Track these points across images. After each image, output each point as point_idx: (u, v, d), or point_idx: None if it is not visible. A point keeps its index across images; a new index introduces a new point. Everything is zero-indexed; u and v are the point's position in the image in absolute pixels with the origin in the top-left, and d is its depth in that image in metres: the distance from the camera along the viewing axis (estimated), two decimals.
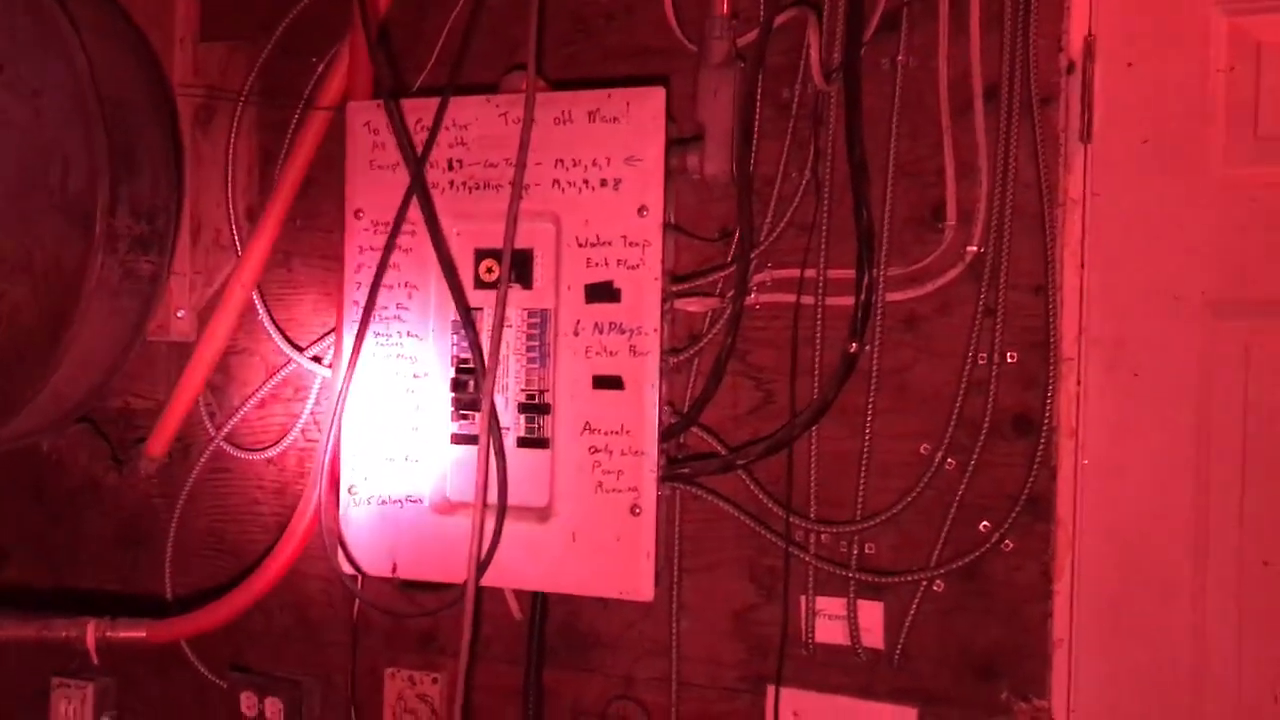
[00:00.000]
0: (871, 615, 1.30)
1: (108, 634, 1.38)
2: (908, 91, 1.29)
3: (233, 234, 1.52)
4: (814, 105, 1.31)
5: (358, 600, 1.46)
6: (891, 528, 1.29)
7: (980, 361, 1.26)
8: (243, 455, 1.54)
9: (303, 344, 1.52)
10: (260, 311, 1.52)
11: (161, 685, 1.59)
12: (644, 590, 1.25)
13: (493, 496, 1.27)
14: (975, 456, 1.26)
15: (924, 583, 1.28)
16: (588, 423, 1.28)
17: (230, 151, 1.52)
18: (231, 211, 1.52)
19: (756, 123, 1.32)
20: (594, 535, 1.27)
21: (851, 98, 1.26)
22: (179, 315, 1.53)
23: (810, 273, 1.31)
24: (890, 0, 1.28)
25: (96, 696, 1.58)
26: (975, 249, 1.26)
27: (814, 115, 1.31)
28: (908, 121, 1.29)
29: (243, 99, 1.51)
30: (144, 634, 1.39)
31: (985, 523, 1.26)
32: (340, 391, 1.32)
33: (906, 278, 1.29)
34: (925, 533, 1.28)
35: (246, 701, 1.49)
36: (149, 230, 1.40)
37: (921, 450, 1.28)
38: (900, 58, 1.29)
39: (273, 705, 1.48)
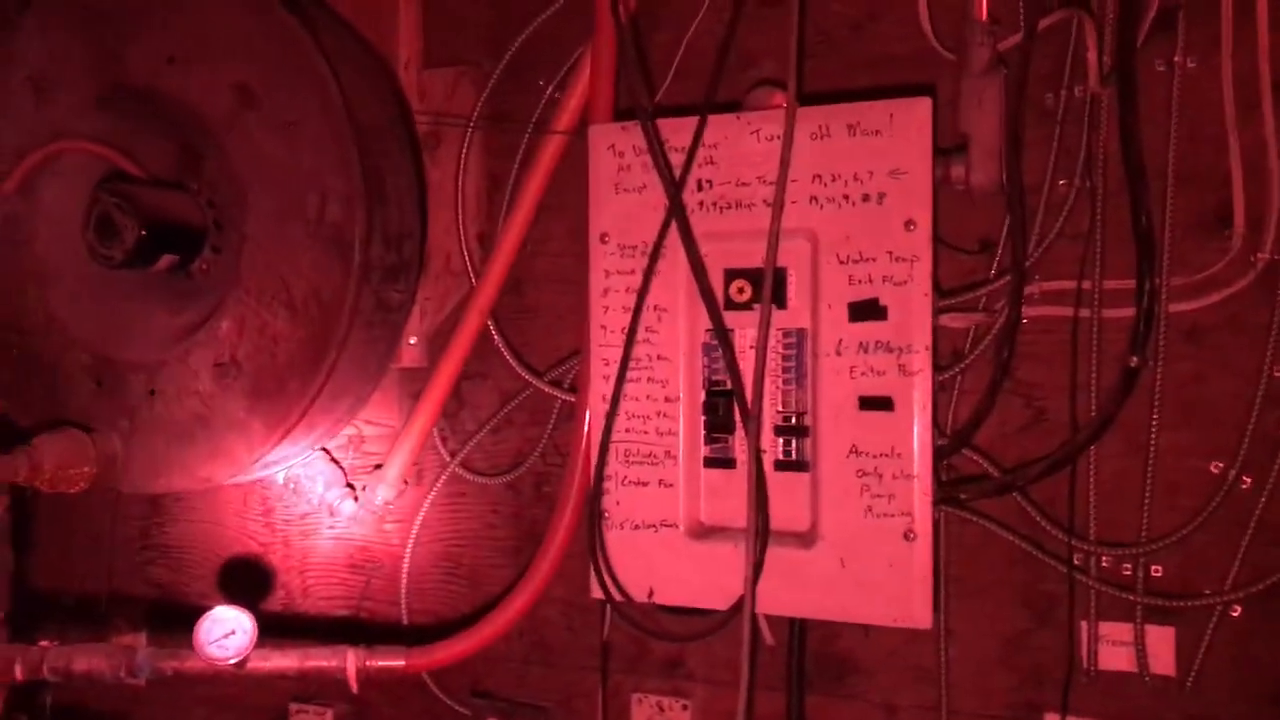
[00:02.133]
0: (1161, 641, 1.24)
1: (367, 663, 1.38)
2: (1186, 92, 1.23)
3: (464, 260, 1.52)
4: (1087, 110, 1.26)
5: (606, 625, 1.44)
6: (1180, 549, 1.23)
7: (1278, 374, 1.20)
8: (478, 480, 1.54)
9: (536, 367, 1.51)
10: (496, 337, 1.51)
11: (398, 712, 1.60)
12: (921, 618, 1.21)
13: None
14: (1274, 474, 1.19)
15: (1219, 607, 1.22)
16: (854, 445, 1.24)
17: (460, 178, 1.52)
18: (462, 237, 1.52)
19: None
20: (865, 561, 1.23)
21: (1127, 100, 1.21)
22: (410, 342, 1.54)
23: (1085, 284, 1.26)
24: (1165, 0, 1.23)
25: None
26: (1266, 256, 1.20)
27: (1088, 120, 1.25)
28: (1186, 123, 1.23)
29: (472, 124, 1.51)
30: (402, 662, 1.39)
31: None
32: (598, 416, 1.31)
33: (1190, 288, 1.23)
34: (1219, 554, 1.22)
35: None
36: (398, 259, 1.41)
37: (1212, 468, 1.22)
38: (1177, 58, 1.23)
39: None
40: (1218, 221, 1.22)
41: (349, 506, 1.59)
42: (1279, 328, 1.19)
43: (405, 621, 1.58)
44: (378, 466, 1.56)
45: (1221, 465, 1.22)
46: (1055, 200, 1.28)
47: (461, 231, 1.52)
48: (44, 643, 1.38)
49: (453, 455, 1.55)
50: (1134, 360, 1.21)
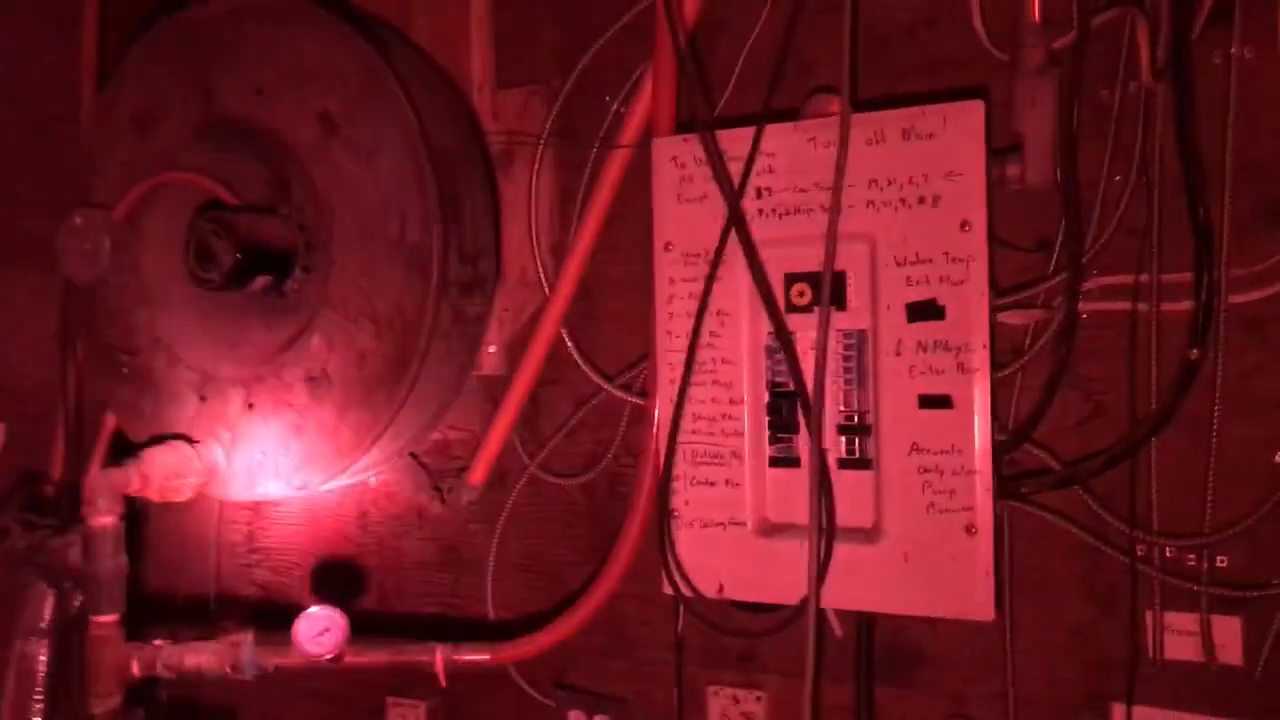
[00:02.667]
0: (1228, 630, 1.25)
1: (454, 657, 1.46)
2: (1243, 83, 1.23)
3: (538, 271, 1.59)
4: (1142, 105, 1.27)
5: (680, 621, 1.50)
6: (1245, 539, 1.24)
7: None
8: (556, 481, 1.61)
9: (608, 372, 1.57)
10: (569, 344, 1.58)
11: (487, 704, 1.67)
12: (984, 610, 1.24)
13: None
14: None
15: None
16: (915, 443, 1.27)
17: (532, 192, 1.58)
18: (536, 250, 1.59)
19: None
20: (928, 556, 1.26)
21: (1182, 93, 1.22)
22: (490, 350, 1.61)
23: (1143, 278, 1.27)
24: None
25: (429, 715, 1.68)
26: None
27: (1144, 115, 1.27)
28: (1244, 114, 1.23)
29: (543, 141, 1.58)
30: (487, 657, 1.47)
31: None
32: (666, 419, 1.36)
33: (1250, 278, 1.23)
34: None
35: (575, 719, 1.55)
36: (474, 274, 1.48)
37: (1277, 458, 1.23)
38: (1234, 49, 1.23)
39: None
40: (1278, 211, 1.22)
41: (436, 508, 1.67)
42: None
43: (491, 617, 1.65)
44: (462, 470, 1.63)
45: None
46: (1112, 196, 1.29)
47: (535, 244, 1.59)
48: (157, 641, 1.48)
49: (532, 458, 1.62)
50: (1194, 352, 1.23)
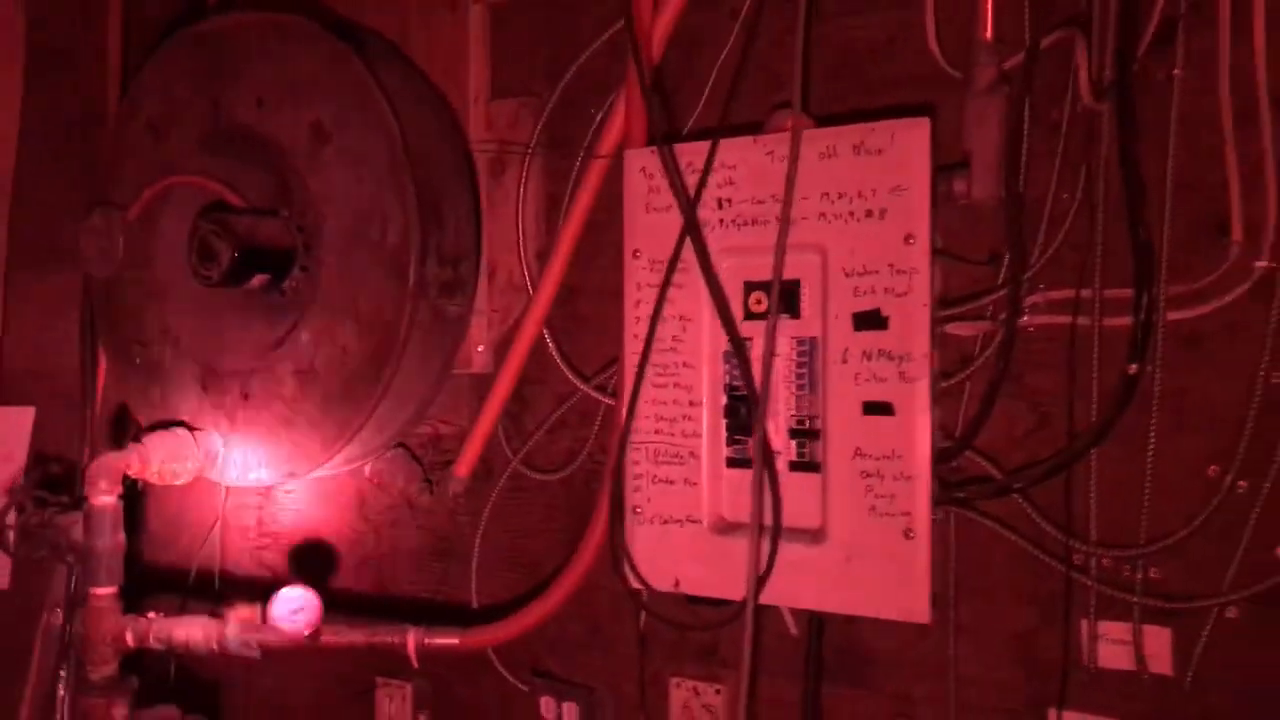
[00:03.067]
0: (1159, 641, 1.27)
1: (425, 641, 1.54)
2: (1184, 104, 1.25)
3: (524, 275, 1.66)
4: (1086, 124, 1.29)
5: (643, 613, 1.55)
6: (1178, 552, 1.26)
7: (1275, 380, 1.21)
8: (537, 476, 1.68)
9: (587, 373, 1.63)
10: (550, 345, 1.64)
11: (469, 688, 1.75)
12: (920, 612, 1.28)
13: (767, 518, 1.34)
14: (1270, 479, 1.21)
15: (1216, 609, 1.24)
16: (859, 448, 1.31)
17: (520, 199, 1.65)
18: (522, 254, 1.66)
19: (1024, 144, 1.32)
20: (868, 558, 1.30)
21: (1125, 114, 1.25)
22: (479, 350, 1.68)
23: (1085, 293, 1.30)
24: (1164, 13, 1.25)
25: (414, 695, 1.76)
26: (1264, 264, 1.21)
27: (1086, 134, 1.29)
28: (1185, 134, 1.25)
29: (530, 151, 1.65)
30: (456, 641, 1.54)
31: None
32: (624, 420, 1.42)
33: (1189, 295, 1.25)
34: (1216, 557, 1.24)
35: (546, 705, 1.62)
36: (454, 276, 1.56)
37: (1210, 472, 1.25)
38: (1176, 70, 1.25)
39: (569, 710, 1.60)
40: (1216, 230, 1.24)
41: (424, 499, 1.75)
42: (1275, 334, 1.21)
43: (475, 605, 1.73)
44: (450, 463, 1.71)
45: (1218, 469, 1.24)
46: (1059, 212, 1.32)
47: (521, 248, 1.66)
48: (151, 614, 1.58)
49: (515, 453, 1.69)
50: (1133, 367, 1.25)
